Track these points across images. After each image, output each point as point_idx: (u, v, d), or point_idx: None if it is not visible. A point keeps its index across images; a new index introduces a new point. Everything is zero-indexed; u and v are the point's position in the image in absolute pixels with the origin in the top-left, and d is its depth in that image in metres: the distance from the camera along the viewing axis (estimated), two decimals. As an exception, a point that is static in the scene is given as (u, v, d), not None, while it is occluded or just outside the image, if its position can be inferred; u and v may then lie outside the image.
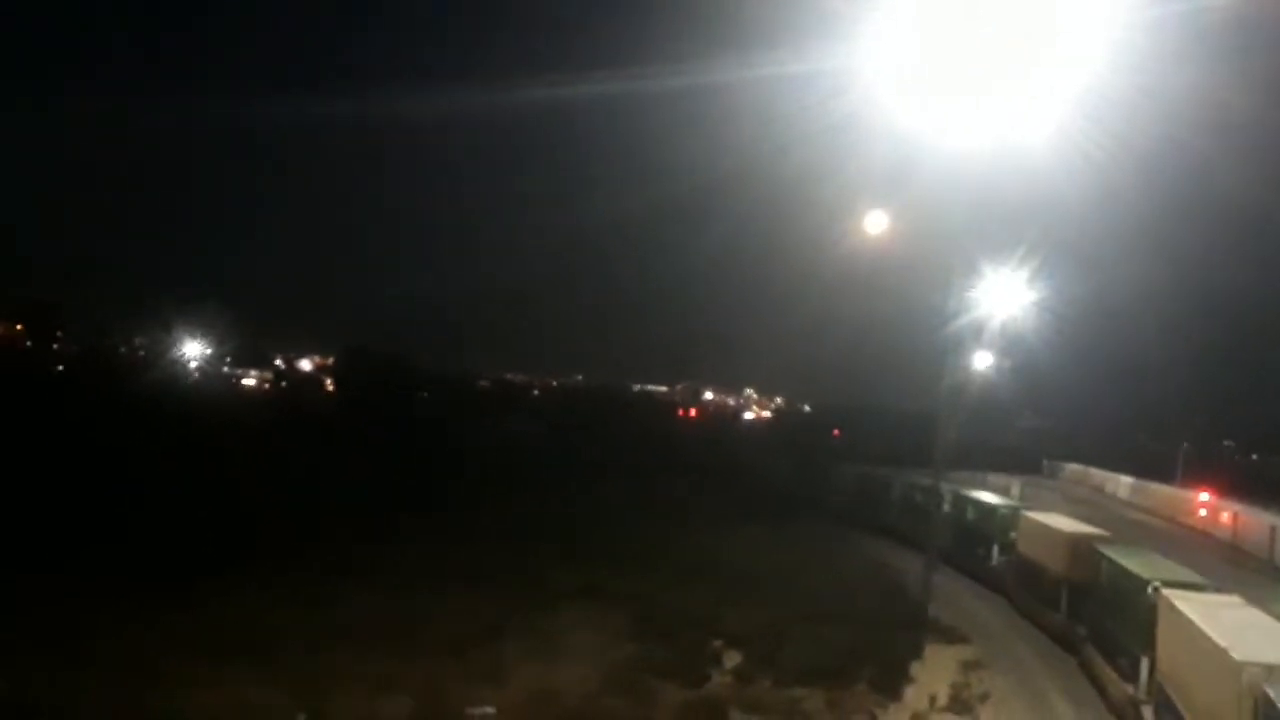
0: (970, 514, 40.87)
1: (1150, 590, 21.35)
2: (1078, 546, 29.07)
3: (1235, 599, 20.78)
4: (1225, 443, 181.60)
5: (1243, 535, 51.11)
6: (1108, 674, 23.40)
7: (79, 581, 24.35)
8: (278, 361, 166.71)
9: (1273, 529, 46.30)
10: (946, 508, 40.59)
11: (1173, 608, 19.26)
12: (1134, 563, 24.71)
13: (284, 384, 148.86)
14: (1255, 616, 18.95)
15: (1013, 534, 35.31)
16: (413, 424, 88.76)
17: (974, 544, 38.69)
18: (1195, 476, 78.99)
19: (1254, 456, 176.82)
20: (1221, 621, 17.48)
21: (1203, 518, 59.76)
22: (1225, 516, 55.85)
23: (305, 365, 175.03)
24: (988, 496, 43.80)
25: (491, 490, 48.51)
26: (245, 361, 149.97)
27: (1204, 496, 62.90)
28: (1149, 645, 20.66)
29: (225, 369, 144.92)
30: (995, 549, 36.66)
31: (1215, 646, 16.10)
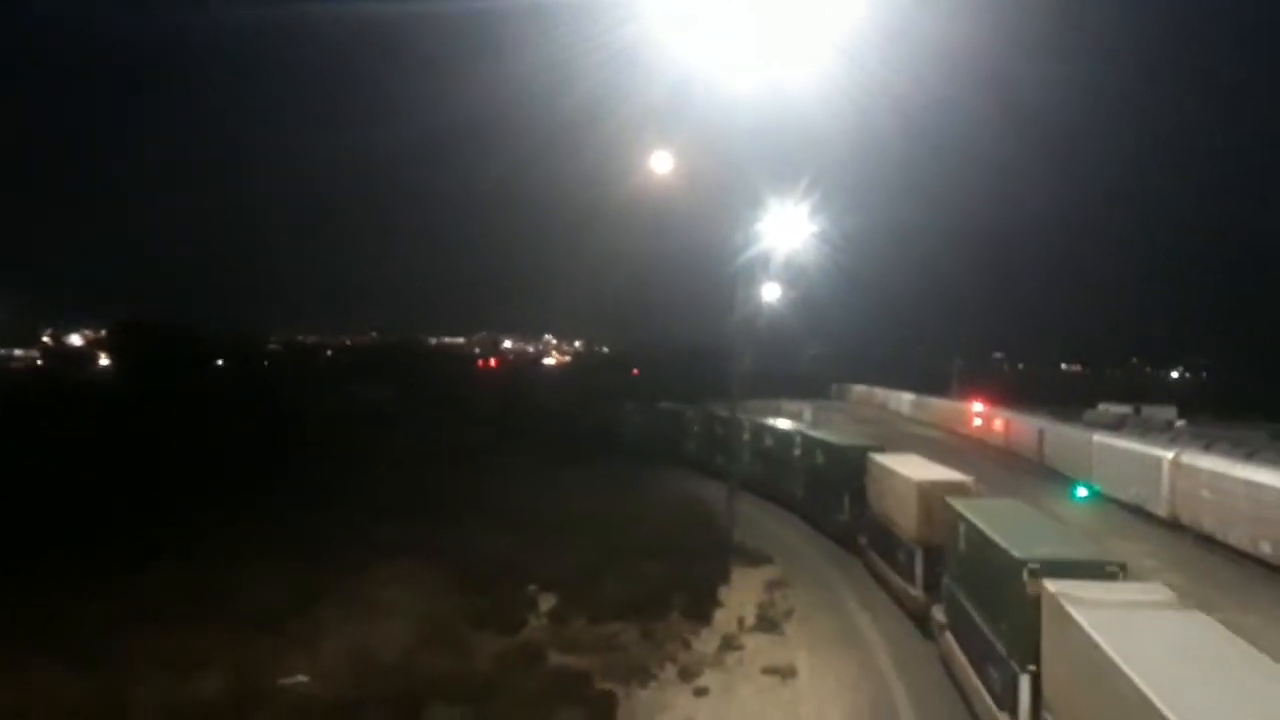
0: (767, 440, 42.51)
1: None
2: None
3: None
4: (995, 355, 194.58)
5: (1014, 440, 55.20)
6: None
7: None
8: (45, 338, 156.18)
9: (1040, 432, 50.14)
10: (746, 436, 42.19)
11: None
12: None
13: (40, 361, 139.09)
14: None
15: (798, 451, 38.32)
16: (212, 396, 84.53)
17: (772, 468, 40.31)
18: (970, 388, 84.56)
19: (1020, 366, 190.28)
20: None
21: (977, 426, 64.17)
22: (998, 424, 60.11)
23: (75, 340, 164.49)
24: (782, 423, 45.67)
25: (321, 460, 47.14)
26: (9, 340, 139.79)
27: (977, 407, 67.54)
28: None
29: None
30: (796, 471, 38.40)
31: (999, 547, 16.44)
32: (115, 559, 26.59)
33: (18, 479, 36.97)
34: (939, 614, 20.71)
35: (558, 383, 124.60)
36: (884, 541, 26.33)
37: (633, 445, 55.58)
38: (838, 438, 37.23)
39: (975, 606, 17.70)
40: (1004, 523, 18.08)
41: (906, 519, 23.98)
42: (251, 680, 18.40)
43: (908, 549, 23.81)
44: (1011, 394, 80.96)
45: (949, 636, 19.47)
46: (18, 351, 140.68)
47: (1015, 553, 15.57)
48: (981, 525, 17.85)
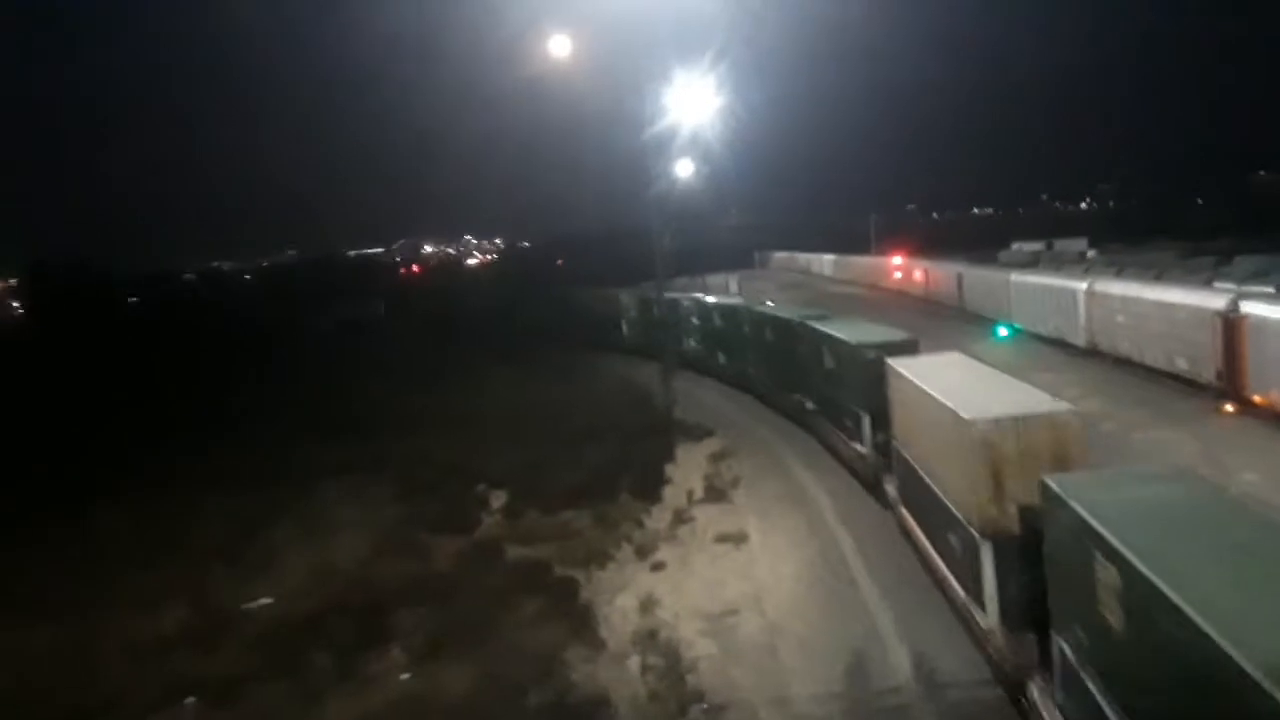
0: (710, 318, 42.63)
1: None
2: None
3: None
4: (909, 206, 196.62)
5: (934, 288, 56.36)
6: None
7: None
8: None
9: (959, 276, 51.18)
10: (683, 315, 42.62)
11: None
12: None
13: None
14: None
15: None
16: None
17: (713, 345, 40.55)
18: (888, 243, 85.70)
19: (935, 215, 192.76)
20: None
21: (898, 279, 65.34)
22: (918, 274, 61.23)
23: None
24: (710, 298, 46.00)
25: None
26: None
27: (897, 260, 68.63)
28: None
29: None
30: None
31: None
32: (58, 505, 26.48)
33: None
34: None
35: (483, 282, 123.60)
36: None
37: (563, 335, 55.55)
38: (784, 310, 37.31)
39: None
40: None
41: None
42: (214, 609, 18.58)
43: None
44: (929, 244, 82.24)
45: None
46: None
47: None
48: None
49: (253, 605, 18.75)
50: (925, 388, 16.18)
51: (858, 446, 23.05)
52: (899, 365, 18.70)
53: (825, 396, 26.83)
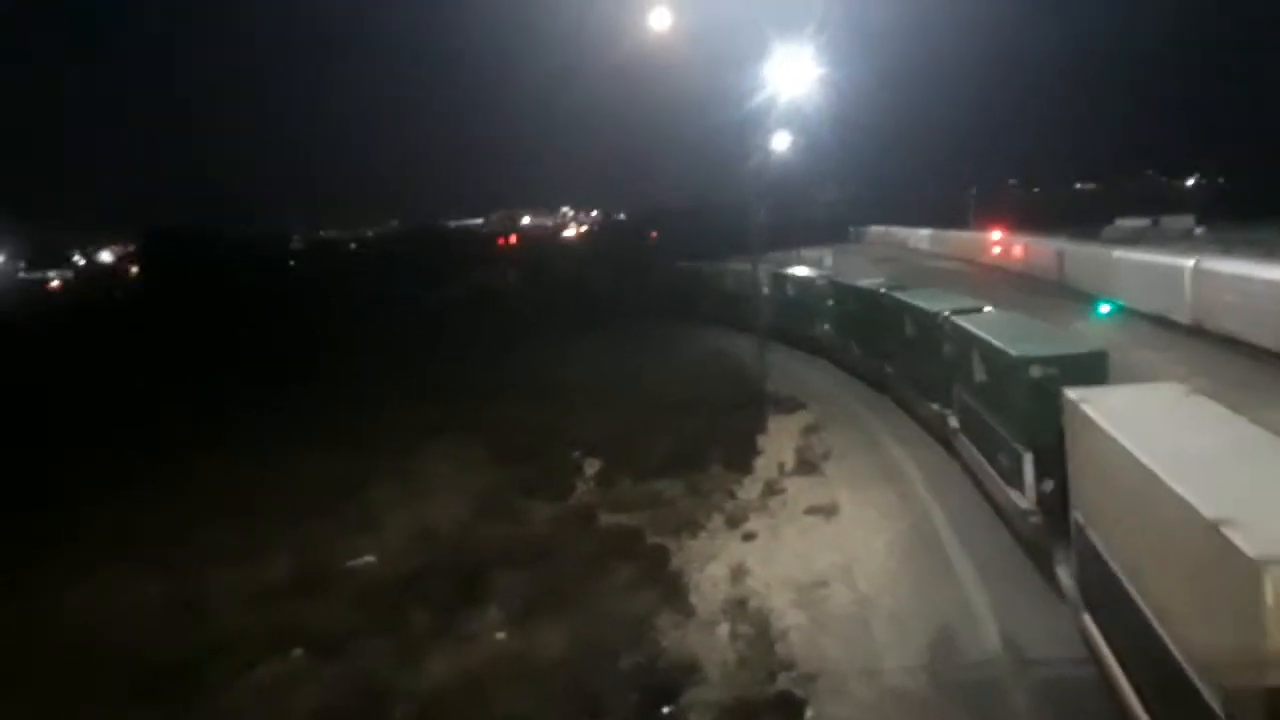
0: (790, 290, 42.58)
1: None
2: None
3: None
4: (1009, 181, 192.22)
5: (1033, 264, 55.25)
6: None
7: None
8: (76, 258, 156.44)
9: (1059, 253, 50.14)
10: (767, 289, 42.36)
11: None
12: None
13: (63, 281, 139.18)
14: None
15: (830, 301, 37.73)
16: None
17: (797, 315, 40.42)
18: (987, 218, 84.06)
19: (1036, 190, 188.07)
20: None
21: (997, 254, 64.12)
22: (1017, 250, 60.05)
23: (106, 257, 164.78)
24: (802, 270, 45.78)
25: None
26: (42, 264, 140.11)
27: (996, 235, 67.34)
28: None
29: (22, 275, 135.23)
30: (816, 319, 38.62)
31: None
32: (165, 461, 27.69)
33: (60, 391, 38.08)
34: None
35: (578, 254, 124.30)
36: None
37: (656, 306, 55.72)
38: (865, 280, 37.04)
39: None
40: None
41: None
42: (318, 564, 19.23)
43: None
44: (1029, 218, 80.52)
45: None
46: (52, 274, 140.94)
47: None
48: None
49: (357, 563, 19.38)
50: (1145, 460, 9.60)
51: (1016, 498, 16.88)
52: (1092, 408, 12.04)
53: (972, 417, 20.64)
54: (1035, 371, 16.35)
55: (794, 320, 40.22)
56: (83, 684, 14.93)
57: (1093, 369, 16.04)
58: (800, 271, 45.14)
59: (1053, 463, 14.36)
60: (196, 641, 16.13)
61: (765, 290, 42.56)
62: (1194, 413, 11.73)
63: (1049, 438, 14.34)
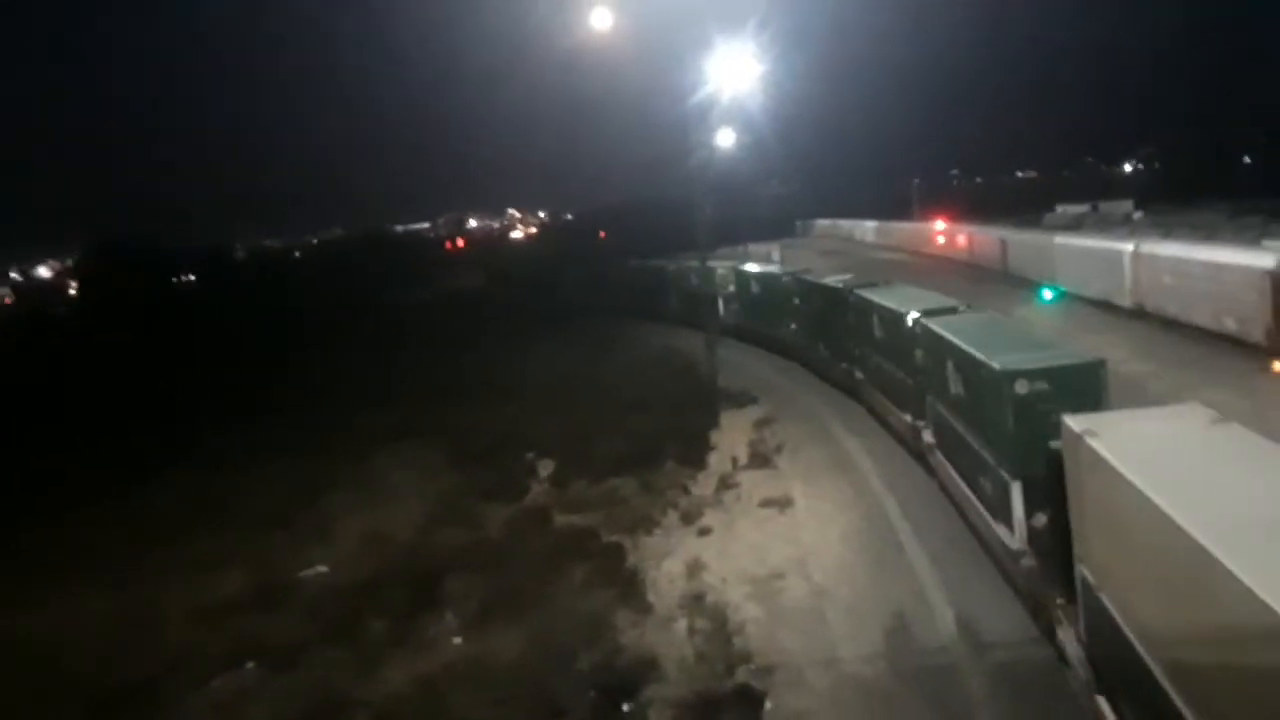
0: (754, 287, 42.28)
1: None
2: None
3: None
4: (951, 172, 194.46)
5: (978, 253, 55.81)
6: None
7: None
8: (14, 274, 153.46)
9: (1002, 242, 50.66)
10: (732, 286, 42.40)
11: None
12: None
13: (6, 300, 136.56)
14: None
15: (796, 300, 36.67)
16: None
17: (763, 314, 40.10)
18: (931, 209, 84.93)
19: (978, 180, 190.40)
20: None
21: (942, 244, 64.74)
22: (961, 239, 60.63)
23: (44, 272, 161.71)
24: (768, 267, 45.80)
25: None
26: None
27: (940, 225, 67.97)
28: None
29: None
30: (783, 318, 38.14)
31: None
32: (120, 476, 27.43)
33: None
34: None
35: (526, 255, 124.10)
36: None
37: (606, 306, 55.64)
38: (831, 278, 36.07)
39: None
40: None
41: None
42: (272, 576, 19.07)
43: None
44: (972, 208, 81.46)
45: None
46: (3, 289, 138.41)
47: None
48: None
49: (309, 572, 19.22)
50: (1186, 525, 7.44)
51: (1004, 534, 14.60)
52: (1103, 445, 9.63)
53: (949, 434, 18.23)
54: (1022, 387, 13.96)
55: (760, 320, 39.69)
56: (37, 704, 14.81)
57: (1088, 382, 13.97)
58: (764, 268, 44.96)
59: (1046, 494, 12.22)
60: (151, 658, 16.02)
61: (730, 288, 42.62)
62: (1229, 449, 9.28)
63: (1040, 465, 12.13)
